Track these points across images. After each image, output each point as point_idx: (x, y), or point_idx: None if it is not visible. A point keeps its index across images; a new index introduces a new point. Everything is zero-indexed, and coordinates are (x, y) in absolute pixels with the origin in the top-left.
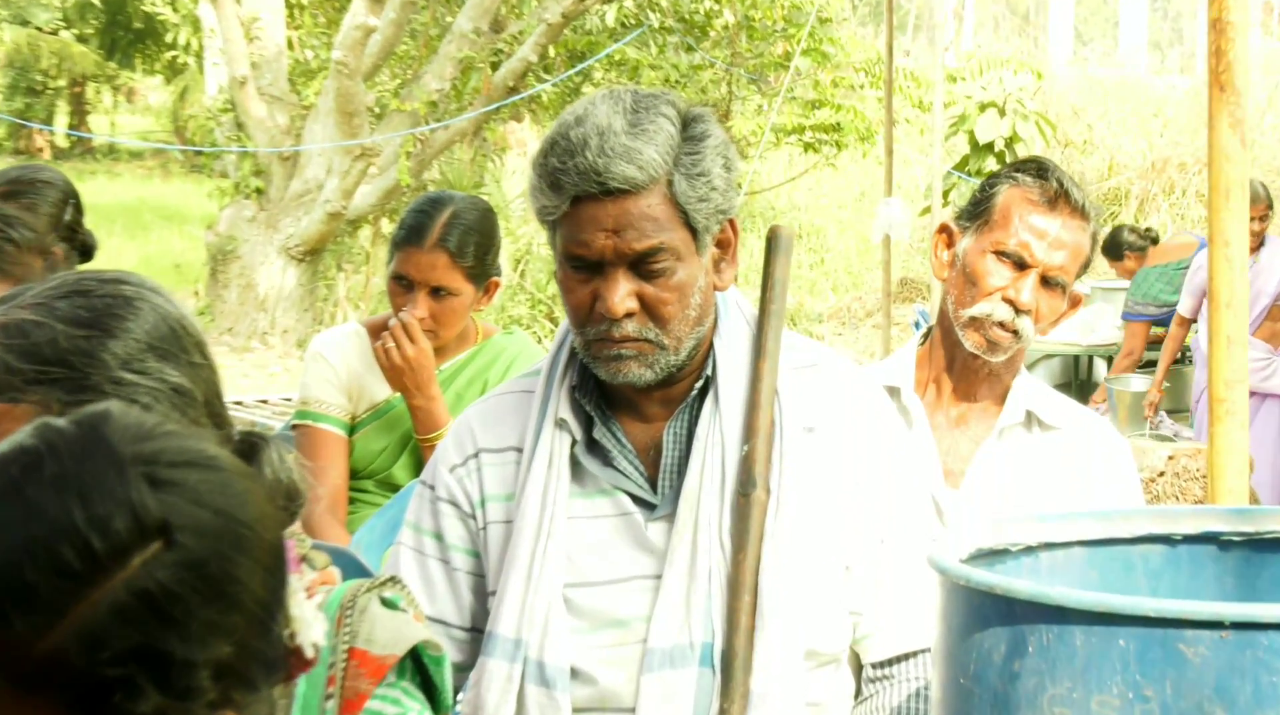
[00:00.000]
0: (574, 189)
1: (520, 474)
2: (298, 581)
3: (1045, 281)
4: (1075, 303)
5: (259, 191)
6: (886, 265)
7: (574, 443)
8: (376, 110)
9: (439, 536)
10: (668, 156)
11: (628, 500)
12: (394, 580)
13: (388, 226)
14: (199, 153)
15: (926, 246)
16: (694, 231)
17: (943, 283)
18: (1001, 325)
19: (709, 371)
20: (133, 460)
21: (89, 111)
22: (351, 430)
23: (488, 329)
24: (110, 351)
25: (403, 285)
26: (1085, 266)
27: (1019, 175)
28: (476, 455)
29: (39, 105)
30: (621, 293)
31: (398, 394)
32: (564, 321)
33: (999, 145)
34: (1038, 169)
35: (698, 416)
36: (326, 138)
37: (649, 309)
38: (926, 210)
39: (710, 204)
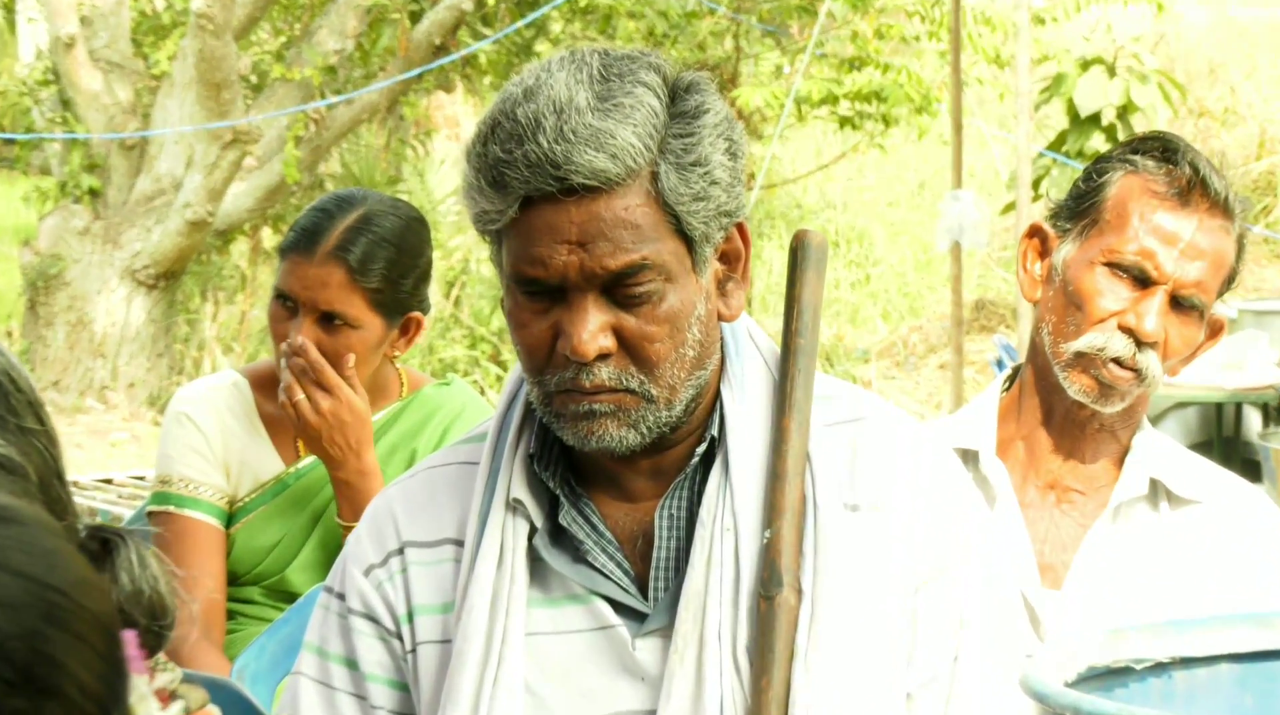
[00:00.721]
0: (524, 187)
1: (461, 576)
2: (145, 685)
3: (1176, 303)
4: (1216, 331)
5: (93, 193)
6: (956, 283)
7: (533, 532)
8: (253, 80)
9: (351, 663)
10: (650, 140)
11: (608, 608)
12: None
13: (271, 239)
14: (8, 141)
15: (1011, 256)
16: (689, 242)
17: (1035, 306)
18: (1118, 362)
19: (714, 431)
20: None
21: None
22: (230, 519)
23: (415, 379)
24: None
25: (286, 307)
26: (1230, 282)
27: (1138, 158)
28: (401, 552)
29: None
30: (592, 327)
31: (295, 468)
32: (515, 367)
33: (1108, 117)
34: (1164, 149)
35: (700, 493)
36: (185, 119)
37: (630, 348)
38: (1010, 207)
39: (710, 204)
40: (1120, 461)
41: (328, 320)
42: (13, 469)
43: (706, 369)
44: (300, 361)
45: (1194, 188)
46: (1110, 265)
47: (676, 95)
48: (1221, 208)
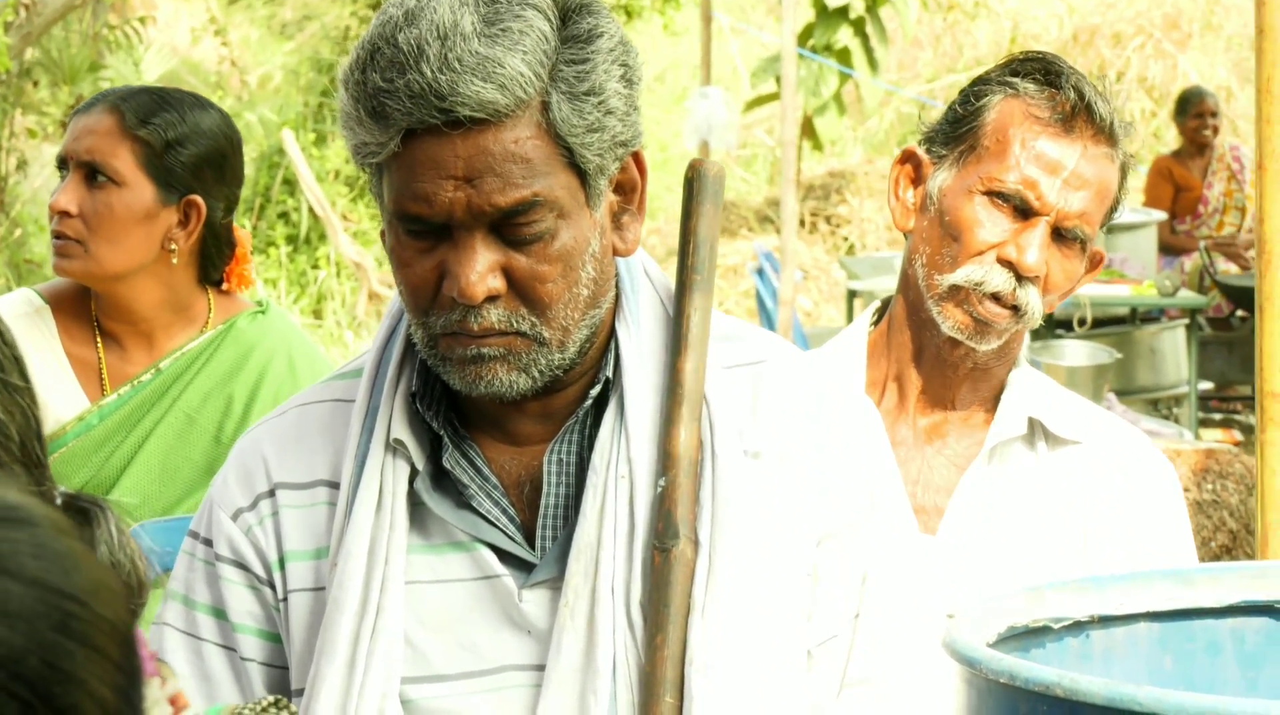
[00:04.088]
0: (406, 119)
1: (337, 520)
2: (158, 690)
3: (1059, 235)
4: (1096, 263)
5: None
6: None
7: (414, 475)
8: None
9: (219, 613)
10: (540, 69)
11: (492, 557)
12: (279, 702)
13: None
14: None
15: (752, 155)
16: (582, 175)
17: (907, 235)
18: (996, 298)
19: (608, 372)
20: None
21: None
22: None
23: (225, 304)
24: None
25: (63, 176)
26: (1113, 212)
27: (1018, 81)
28: (271, 494)
29: None
30: (480, 267)
31: (100, 405)
32: (394, 299)
33: (857, 9)
34: (1045, 72)
35: (593, 437)
36: None
37: (520, 289)
38: (753, 103)
39: (604, 135)
40: (995, 400)
41: (92, 176)
42: None
43: (601, 308)
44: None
45: (1078, 113)
46: (990, 194)
47: (568, 18)
48: (1106, 134)
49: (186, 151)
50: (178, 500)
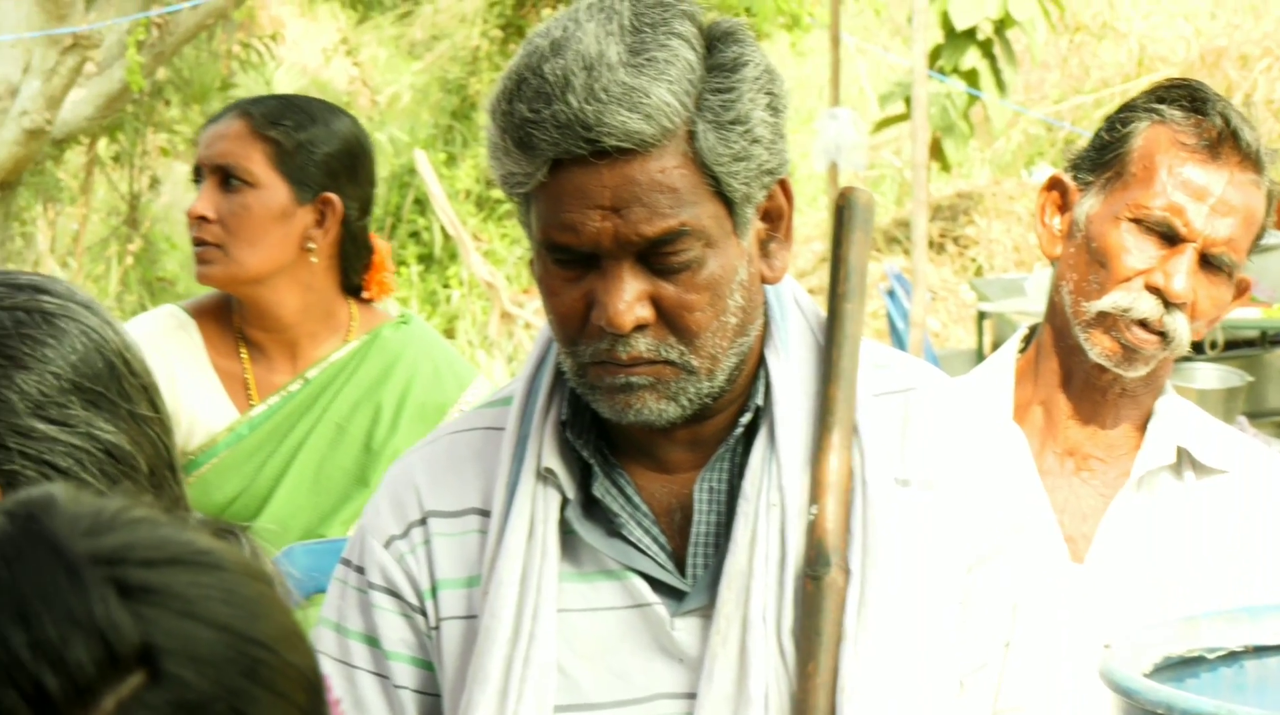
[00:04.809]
0: (553, 149)
1: (488, 549)
2: None
3: (1205, 262)
4: (1243, 291)
5: None
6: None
7: (564, 503)
8: None
9: (372, 640)
10: (686, 98)
11: (644, 585)
12: None
13: (107, 149)
14: None
15: (881, 176)
16: (729, 203)
17: (1054, 262)
18: (1144, 324)
19: (758, 400)
20: (91, 560)
21: None
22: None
23: (367, 315)
24: (17, 389)
25: (198, 185)
26: (1258, 239)
27: (1164, 108)
28: (423, 522)
29: None
30: (628, 296)
31: (249, 416)
32: (544, 327)
33: (984, 31)
34: (1191, 98)
35: (743, 465)
36: (20, 22)
37: (669, 318)
38: (881, 124)
39: (751, 163)
40: (1142, 428)
41: (227, 182)
42: (122, 458)
43: (749, 336)
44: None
45: (1224, 140)
46: (1136, 221)
47: (713, 47)
48: (1253, 161)
49: (318, 150)
50: (332, 508)
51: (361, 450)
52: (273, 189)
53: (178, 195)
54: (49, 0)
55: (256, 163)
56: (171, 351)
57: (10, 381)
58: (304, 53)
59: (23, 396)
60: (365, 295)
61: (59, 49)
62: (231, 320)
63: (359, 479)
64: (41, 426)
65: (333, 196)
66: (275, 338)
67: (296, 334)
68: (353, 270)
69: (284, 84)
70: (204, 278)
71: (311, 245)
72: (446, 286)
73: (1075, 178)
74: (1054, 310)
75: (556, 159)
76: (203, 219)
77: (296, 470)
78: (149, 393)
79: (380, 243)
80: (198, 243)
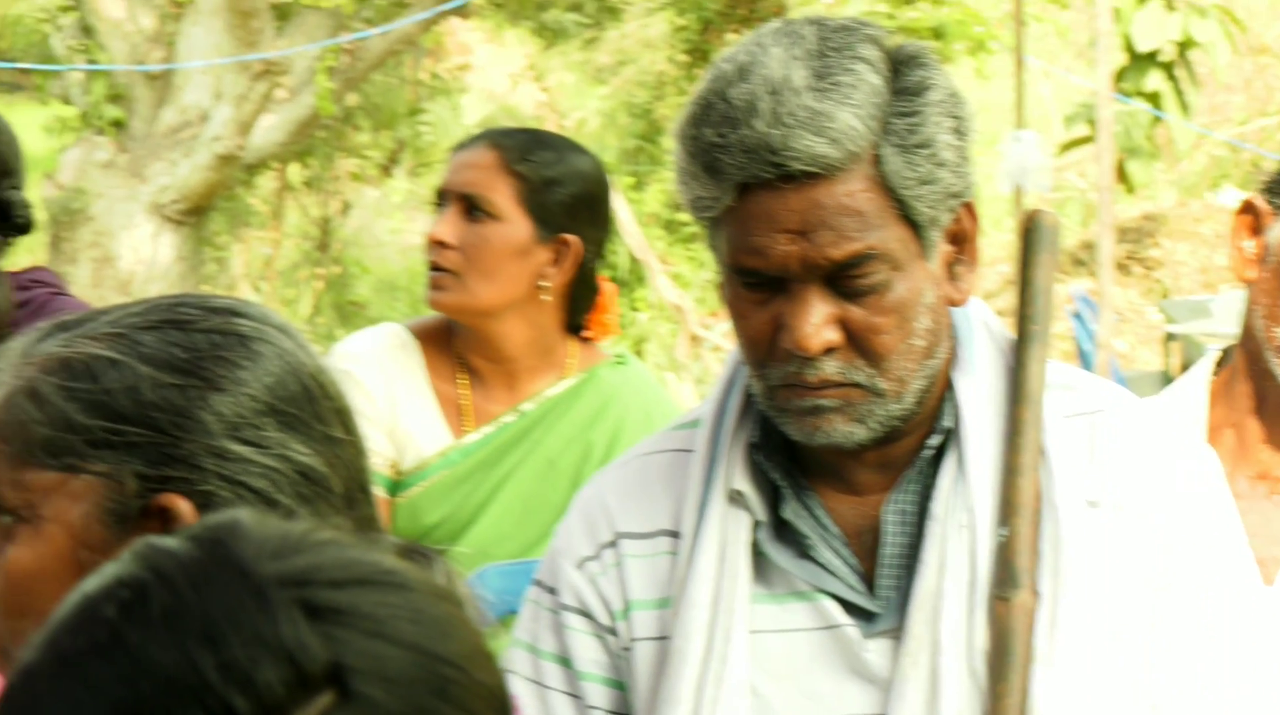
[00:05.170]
0: (740, 174)
1: (679, 570)
2: None
3: None
4: None
5: (117, 125)
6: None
7: (755, 525)
8: (283, 8)
9: (565, 661)
10: (872, 122)
11: (835, 607)
12: None
13: (298, 174)
14: (24, 70)
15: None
16: (915, 226)
17: (1248, 286)
18: None
19: (947, 422)
20: (278, 582)
21: None
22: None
23: (586, 352)
24: (213, 410)
25: (439, 209)
26: None
27: None
28: (614, 543)
29: None
30: (816, 319)
31: (461, 444)
32: (733, 350)
33: (1167, 53)
34: None
35: (932, 486)
36: (212, 49)
37: (856, 340)
38: (1072, 145)
39: (936, 187)
40: None
41: (471, 211)
42: (317, 480)
43: (937, 358)
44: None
45: None
46: None
47: (898, 70)
48: None
49: (563, 190)
50: (535, 541)
51: (570, 486)
52: (515, 224)
53: (368, 220)
54: (240, 27)
55: (502, 196)
56: (392, 369)
57: (206, 403)
58: (492, 78)
59: (219, 418)
60: (586, 334)
61: (250, 75)
62: (453, 344)
63: (564, 514)
64: (237, 448)
65: (572, 237)
66: (495, 368)
67: (516, 367)
68: (578, 310)
69: (472, 109)
70: (435, 303)
71: (545, 283)
72: (634, 309)
73: (1269, 201)
74: (1247, 334)
75: (743, 183)
76: (442, 244)
77: (503, 500)
78: (342, 416)
79: (607, 285)
80: (434, 267)
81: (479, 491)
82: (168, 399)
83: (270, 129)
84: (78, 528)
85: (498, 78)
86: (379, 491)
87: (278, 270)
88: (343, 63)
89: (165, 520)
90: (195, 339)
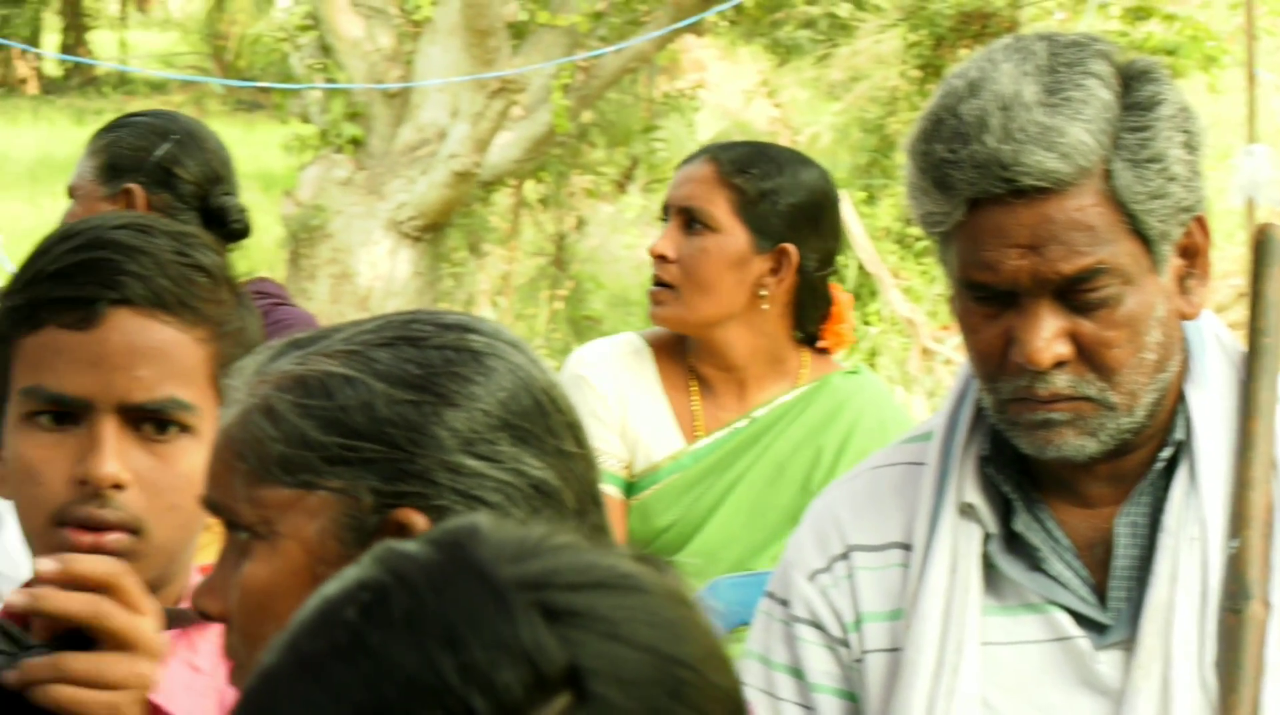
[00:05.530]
0: (970, 189)
1: (910, 582)
2: None
3: None
4: None
5: (356, 143)
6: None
7: (986, 538)
8: (518, 26)
9: (797, 673)
10: (1102, 137)
11: (1066, 619)
12: None
13: (534, 190)
14: (264, 89)
15: None
16: (1146, 241)
17: None
18: None
19: (1179, 435)
20: (517, 586)
21: (89, 26)
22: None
23: (820, 362)
24: (447, 426)
25: (664, 223)
26: None
27: None
28: (846, 556)
29: (19, 19)
30: (1047, 333)
31: (693, 448)
32: (964, 363)
33: None
34: None
35: (1163, 499)
36: (449, 67)
37: (1087, 354)
38: None
39: (1167, 201)
40: None
41: (690, 224)
42: (550, 492)
43: (1168, 372)
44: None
45: None
46: None
47: (1129, 85)
48: None
49: (782, 200)
50: (763, 544)
51: (799, 491)
52: (732, 235)
53: (603, 236)
54: (477, 46)
55: (719, 208)
56: (624, 375)
57: (440, 419)
58: (725, 94)
59: (453, 433)
60: (820, 344)
61: (486, 93)
62: (685, 354)
63: (792, 518)
64: (471, 463)
65: (790, 247)
66: (724, 376)
67: (745, 376)
68: (808, 320)
69: (706, 126)
70: (656, 318)
71: (764, 293)
72: (866, 323)
73: None
74: None
75: (974, 198)
76: (663, 258)
77: (732, 504)
78: (574, 429)
79: (842, 295)
80: (656, 282)
81: (709, 495)
82: (402, 415)
83: (506, 146)
84: (314, 544)
85: (731, 94)
86: (614, 492)
87: (514, 286)
88: (578, 80)
89: (401, 536)
90: (429, 355)
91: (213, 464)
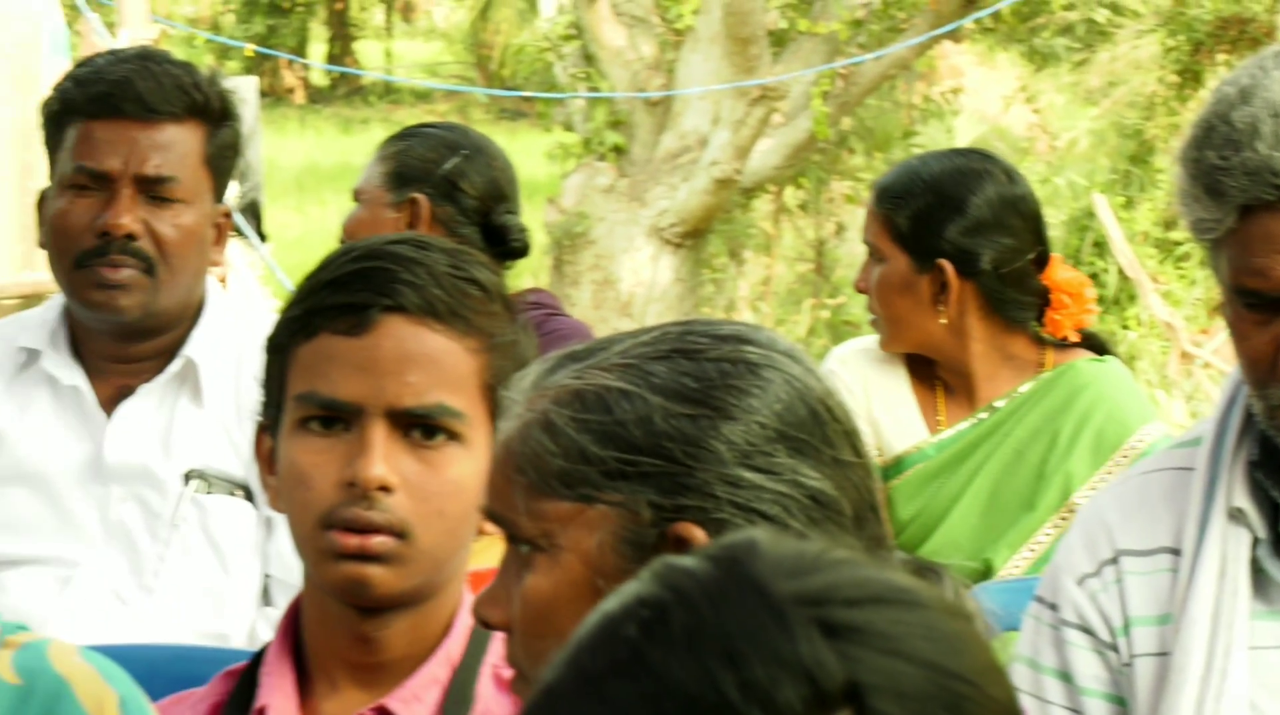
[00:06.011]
0: (1242, 196)
1: (1179, 587)
2: None
3: None
4: None
5: (618, 151)
6: None
7: (1255, 542)
8: (779, 34)
9: (1065, 676)
10: None
11: None
12: None
13: (794, 197)
14: (528, 98)
15: None
16: None
17: None
18: None
19: None
20: (796, 601)
21: (354, 37)
22: None
23: (1065, 356)
24: (725, 439)
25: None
26: None
27: None
28: (1115, 560)
29: (286, 30)
30: None
31: (937, 438)
32: (1234, 369)
33: None
34: None
35: None
36: (710, 75)
37: None
38: None
39: None
40: None
41: (874, 255)
42: (827, 503)
43: None
44: None
45: None
46: None
47: None
48: None
49: (932, 220)
50: (1000, 531)
51: (1035, 475)
52: (895, 262)
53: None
54: (738, 54)
55: (881, 238)
56: (872, 368)
57: (718, 432)
58: (984, 100)
59: (730, 446)
60: (1045, 333)
61: (747, 100)
62: (933, 361)
63: (1027, 503)
64: (749, 475)
65: (943, 263)
66: (961, 381)
67: (976, 379)
68: (1013, 318)
69: (964, 131)
70: (881, 347)
71: (942, 308)
72: (1125, 327)
73: None
74: None
75: (1245, 205)
76: (863, 291)
77: (972, 493)
78: (851, 438)
79: (1064, 278)
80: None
81: (950, 485)
82: (680, 429)
83: (767, 153)
84: (593, 557)
85: (990, 100)
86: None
87: (774, 291)
88: (838, 87)
89: (681, 549)
90: (705, 368)
91: (493, 476)
